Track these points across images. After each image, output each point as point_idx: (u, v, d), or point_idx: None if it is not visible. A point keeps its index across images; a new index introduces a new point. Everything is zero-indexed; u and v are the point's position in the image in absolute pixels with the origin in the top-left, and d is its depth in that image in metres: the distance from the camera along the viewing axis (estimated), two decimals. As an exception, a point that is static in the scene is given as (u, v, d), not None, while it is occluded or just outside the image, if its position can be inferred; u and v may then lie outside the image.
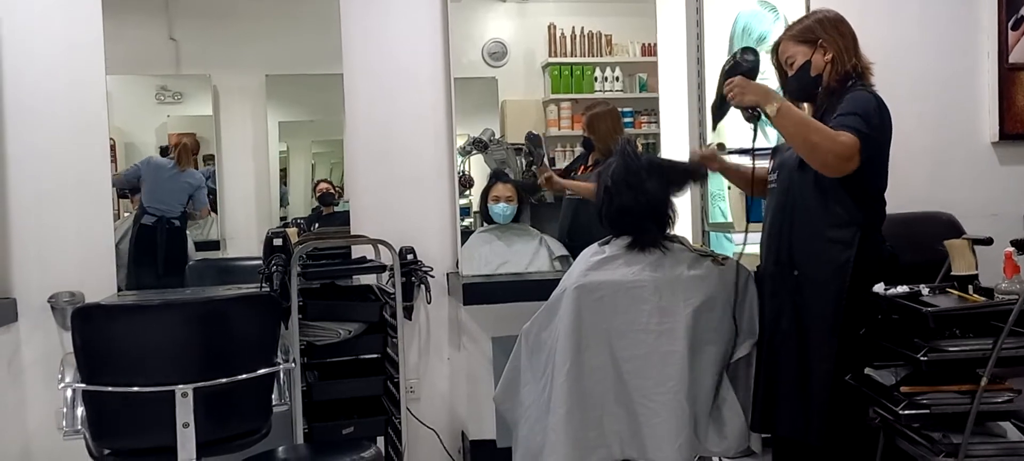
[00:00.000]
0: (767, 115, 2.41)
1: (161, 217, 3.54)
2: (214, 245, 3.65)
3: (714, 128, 2.66)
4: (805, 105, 2.65)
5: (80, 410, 2.51)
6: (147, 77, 3.60)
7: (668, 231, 2.70)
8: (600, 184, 2.70)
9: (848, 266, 2.45)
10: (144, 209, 3.54)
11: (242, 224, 3.67)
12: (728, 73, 2.50)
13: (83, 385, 2.42)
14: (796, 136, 2.41)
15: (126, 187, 3.53)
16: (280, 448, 2.62)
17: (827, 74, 2.55)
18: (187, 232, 3.62)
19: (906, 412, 2.29)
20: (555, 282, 2.73)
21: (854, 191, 2.46)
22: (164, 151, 3.60)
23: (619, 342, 2.54)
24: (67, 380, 2.50)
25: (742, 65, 2.50)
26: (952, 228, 3.39)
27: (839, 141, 2.35)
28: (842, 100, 2.47)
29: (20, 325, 3.33)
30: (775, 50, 2.68)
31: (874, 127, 2.41)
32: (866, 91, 2.52)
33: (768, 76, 2.73)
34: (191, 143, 3.59)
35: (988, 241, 2.43)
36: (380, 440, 3.00)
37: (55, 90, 3.35)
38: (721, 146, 3.53)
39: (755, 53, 2.52)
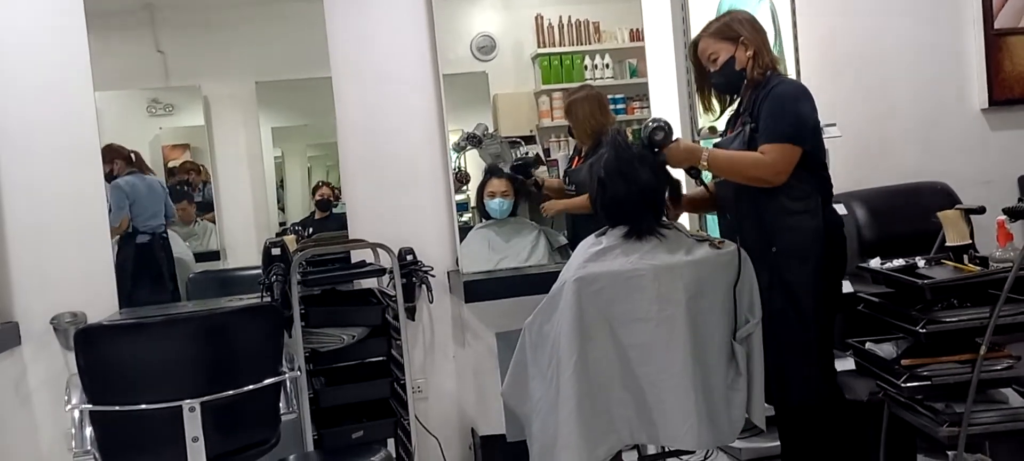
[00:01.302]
0: (701, 168, 2.65)
1: (154, 234, 3.54)
2: (214, 256, 3.66)
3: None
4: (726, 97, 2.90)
5: (89, 430, 2.52)
6: (137, 91, 3.60)
7: (664, 218, 2.71)
8: (593, 175, 2.71)
9: (820, 232, 2.61)
10: (137, 230, 3.49)
11: (241, 232, 3.68)
12: (650, 147, 2.63)
13: (90, 406, 2.42)
14: (731, 173, 2.67)
15: (122, 217, 3.49)
16: (291, 457, 2.64)
17: (750, 68, 2.73)
18: (185, 243, 3.63)
19: (908, 385, 2.30)
20: (556, 274, 2.73)
21: (806, 166, 2.64)
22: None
23: (622, 331, 2.54)
24: (74, 401, 2.51)
25: (656, 140, 2.63)
26: (946, 197, 3.40)
27: (766, 164, 2.59)
28: (767, 95, 2.65)
29: (24, 348, 3.33)
30: (693, 48, 2.87)
31: (803, 120, 2.62)
32: (787, 83, 2.74)
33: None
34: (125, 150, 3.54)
35: (981, 210, 2.45)
36: (390, 442, 3.01)
37: (45, 108, 3.34)
38: (713, 129, 3.55)
39: (661, 124, 2.65)
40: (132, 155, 3.52)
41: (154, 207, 3.56)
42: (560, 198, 3.79)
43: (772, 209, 2.62)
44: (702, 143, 3.58)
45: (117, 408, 2.40)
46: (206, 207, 3.68)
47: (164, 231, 3.56)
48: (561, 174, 3.93)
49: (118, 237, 3.46)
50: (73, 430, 2.55)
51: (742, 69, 2.73)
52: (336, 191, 3.72)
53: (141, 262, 3.50)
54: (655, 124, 2.63)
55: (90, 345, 2.41)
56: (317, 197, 3.74)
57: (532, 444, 2.71)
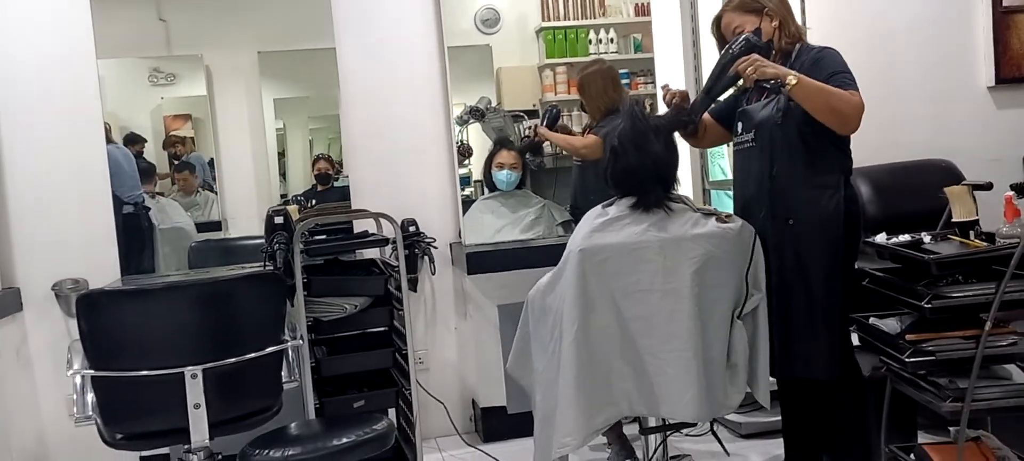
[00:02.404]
0: (787, 86, 2.49)
1: (137, 204, 3.52)
2: (216, 226, 3.65)
3: (708, 98, 2.72)
4: None
5: (90, 396, 2.52)
6: (139, 60, 3.59)
7: (672, 191, 2.70)
8: (607, 144, 2.70)
9: (839, 209, 2.58)
10: (121, 200, 3.45)
11: (242, 203, 3.67)
12: (740, 53, 2.55)
13: (92, 372, 2.42)
14: (816, 102, 2.51)
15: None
16: (293, 424, 2.63)
17: (777, 39, 2.68)
18: (186, 213, 3.62)
19: (912, 359, 2.30)
20: (559, 247, 2.73)
21: (834, 141, 2.60)
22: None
23: (625, 302, 2.55)
24: (76, 367, 2.50)
25: (759, 45, 2.56)
26: (951, 175, 3.38)
27: (855, 101, 2.50)
28: (815, 60, 2.59)
29: (25, 314, 3.35)
30: (716, 23, 2.81)
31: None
32: (826, 48, 2.66)
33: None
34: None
35: (988, 186, 2.43)
36: (392, 412, 3.01)
37: (47, 76, 3.35)
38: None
39: (752, 38, 2.59)
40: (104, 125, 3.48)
41: (132, 178, 3.54)
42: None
43: (796, 182, 2.59)
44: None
45: (119, 374, 2.40)
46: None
47: (144, 202, 3.54)
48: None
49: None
50: (74, 395, 2.54)
51: (768, 41, 2.67)
52: (336, 165, 3.71)
53: (129, 233, 3.48)
54: (748, 36, 2.58)
55: (93, 310, 2.40)
56: (316, 171, 3.72)
57: (536, 414, 2.72)
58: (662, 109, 3.80)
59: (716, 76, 2.64)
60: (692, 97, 2.80)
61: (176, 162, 3.64)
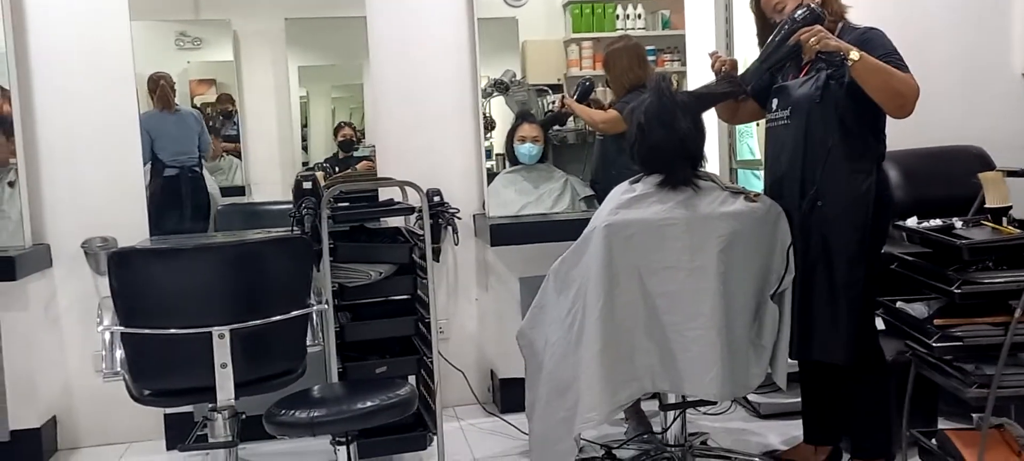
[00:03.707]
0: (849, 61, 2.44)
1: (183, 167, 3.54)
2: (239, 191, 3.67)
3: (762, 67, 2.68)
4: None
5: (119, 352, 2.55)
6: (166, 23, 3.59)
7: (700, 169, 2.69)
8: (633, 120, 2.68)
9: (870, 194, 2.55)
10: (163, 163, 3.50)
11: (266, 169, 3.69)
12: (803, 23, 2.49)
13: (122, 328, 2.45)
14: (878, 82, 2.46)
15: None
16: (316, 387, 2.65)
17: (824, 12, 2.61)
18: (212, 178, 3.63)
19: (939, 344, 2.29)
20: (581, 222, 2.73)
21: (872, 125, 2.57)
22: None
23: (650, 279, 2.55)
24: (106, 323, 2.53)
25: (823, 16, 2.51)
26: (981, 161, 3.36)
27: (913, 85, 2.47)
28: (860, 40, 2.53)
29: (54, 270, 3.38)
30: (757, 0, 2.77)
31: None
32: (872, 28, 2.61)
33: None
34: (167, 83, 3.51)
35: (1023, 173, 2.41)
36: (412, 379, 3.03)
37: (80, 34, 3.36)
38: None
39: (817, 10, 2.54)
40: (162, 82, 3.50)
41: (182, 141, 3.55)
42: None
43: (829, 164, 2.56)
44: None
45: (148, 331, 2.43)
46: (229, 141, 3.67)
47: (196, 164, 3.56)
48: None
49: (148, 168, 3.46)
50: (103, 351, 2.57)
51: (804, 16, 2.58)
52: (358, 133, 3.71)
53: (169, 194, 3.51)
54: (813, 6, 2.53)
55: (124, 267, 2.43)
56: (339, 137, 3.73)
57: (539, 385, 2.72)
58: (688, 86, 3.82)
59: (775, 46, 2.59)
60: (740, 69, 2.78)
61: (225, 119, 3.64)
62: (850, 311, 2.58)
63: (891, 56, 2.48)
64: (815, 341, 2.63)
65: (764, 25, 2.79)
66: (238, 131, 3.64)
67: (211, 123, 3.64)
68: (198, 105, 3.62)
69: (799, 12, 2.52)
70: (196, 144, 3.58)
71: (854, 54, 2.41)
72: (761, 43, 2.84)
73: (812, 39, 2.44)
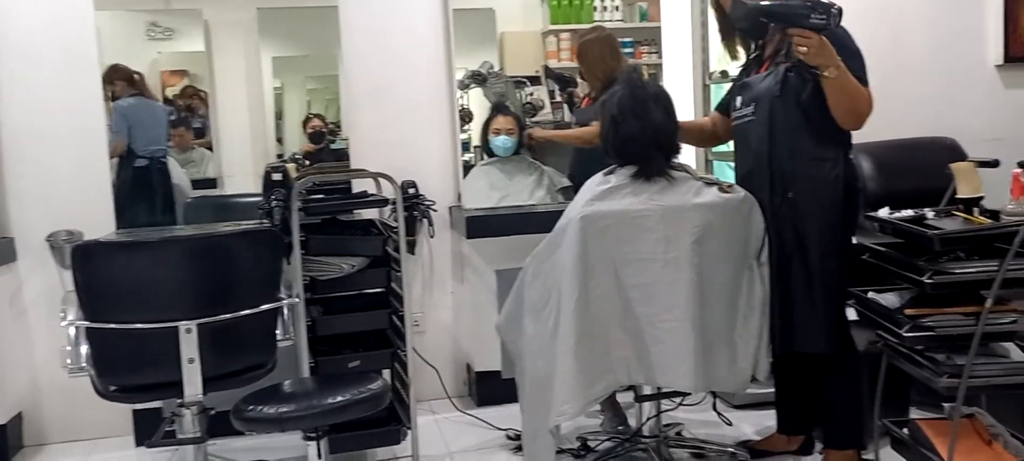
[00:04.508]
0: (824, 76, 2.41)
1: (153, 158, 3.49)
2: (211, 183, 3.62)
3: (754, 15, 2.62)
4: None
5: (84, 347, 2.51)
6: (137, 12, 3.54)
7: (674, 160, 2.68)
8: (606, 112, 2.67)
9: (839, 182, 2.57)
10: (135, 154, 3.44)
11: (238, 161, 3.64)
12: (819, 25, 2.34)
13: (86, 323, 2.41)
14: (844, 100, 2.47)
15: (119, 141, 3.42)
16: (286, 382, 2.62)
17: None
18: (183, 170, 3.59)
19: (910, 334, 2.30)
20: (557, 214, 2.72)
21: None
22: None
23: (625, 271, 2.54)
24: (70, 318, 2.49)
25: (832, 28, 2.35)
26: (955, 154, 3.37)
27: (870, 102, 2.49)
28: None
29: (19, 264, 3.33)
30: None
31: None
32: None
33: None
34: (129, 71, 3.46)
35: (994, 163, 2.42)
36: (386, 373, 3.01)
37: (44, 25, 3.29)
38: (724, 74, 3.50)
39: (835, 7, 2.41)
40: (135, 76, 3.46)
41: (155, 132, 3.51)
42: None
43: (795, 155, 2.57)
44: (713, 89, 3.55)
45: (113, 326, 2.39)
46: (200, 133, 3.62)
47: (164, 156, 3.52)
48: (566, 115, 3.90)
49: (115, 160, 3.41)
50: (68, 347, 2.53)
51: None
52: (330, 125, 3.68)
53: (138, 186, 3.46)
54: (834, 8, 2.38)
55: (88, 261, 2.39)
56: (309, 130, 3.69)
57: (523, 378, 2.72)
58: (664, 79, 3.81)
59: (788, 7, 2.39)
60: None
61: (189, 114, 3.59)
62: (827, 299, 2.59)
63: (855, 59, 2.47)
64: (796, 333, 2.63)
65: (725, 18, 2.81)
66: (203, 124, 3.59)
67: (182, 115, 3.59)
68: (169, 97, 3.57)
69: (835, 9, 2.36)
70: (165, 135, 3.52)
71: (830, 72, 2.39)
72: (723, 37, 2.88)
73: (803, 49, 2.37)
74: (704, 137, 3.09)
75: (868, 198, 3.18)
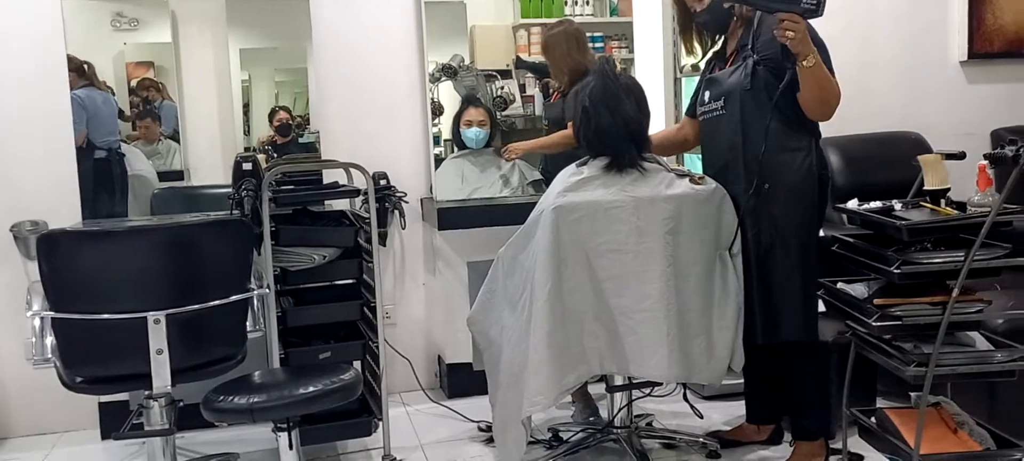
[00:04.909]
0: (801, 64, 2.42)
1: (111, 149, 3.42)
2: (178, 175, 3.57)
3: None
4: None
5: (50, 339, 2.46)
6: (102, 2, 3.47)
7: (645, 152, 2.69)
8: (578, 104, 2.68)
9: (813, 170, 2.61)
10: (94, 145, 3.37)
11: (205, 153, 3.59)
12: (805, 11, 2.36)
13: (52, 313, 2.36)
14: (817, 90, 2.49)
15: (79, 132, 3.33)
16: (256, 372, 2.59)
17: (738, 6, 2.65)
18: (148, 162, 3.53)
19: (879, 323, 2.32)
20: (529, 206, 2.72)
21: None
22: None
23: (598, 262, 2.54)
24: (35, 308, 2.45)
25: (820, 11, 2.36)
26: (921, 148, 3.43)
27: (839, 94, 2.52)
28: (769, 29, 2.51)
29: (-18, 256, 3.26)
30: None
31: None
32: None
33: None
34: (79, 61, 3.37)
35: (961, 155, 2.46)
36: (357, 365, 2.98)
37: (9, 13, 3.23)
38: (695, 67, 3.52)
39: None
40: (85, 66, 3.38)
41: (110, 122, 3.45)
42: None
43: (768, 146, 2.57)
44: (684, 83, 3.57)
45: (79, 316, 2.35)
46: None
47: (119, 147, 3.45)
48: (537, 110, 3.89)
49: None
50: (33, 338, 2.49)
51: (730, 6, 2.67)
52: (297, 119, 3.64)
53: (99, 178, 3.39)
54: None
55: (54, 250, 2.34)
56: (275, 123, 3.65)
57: (494, 370, 2.71)
58: (636, 73, 3.82)
59: None
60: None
61: (146, 106, 3.54)
62: (807, 287, 2.62)
63: (821, 49, 2.48)
64: (781, 323, 2.64)
65: (685, 13, 2.83)
66: (160, 116, 3.53)
67: (147, 106, 3.54)
68: (133, 87, 3.51)
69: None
70: (118, 126, 3.47)
71: (808, 62, 2.41)
72: (682, 32, 2.90)
73: (790, 34, 2.37)
74: (674, 145, 3.09)
75: (837, 191, 3.23)
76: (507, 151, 3.62)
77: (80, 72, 3.36)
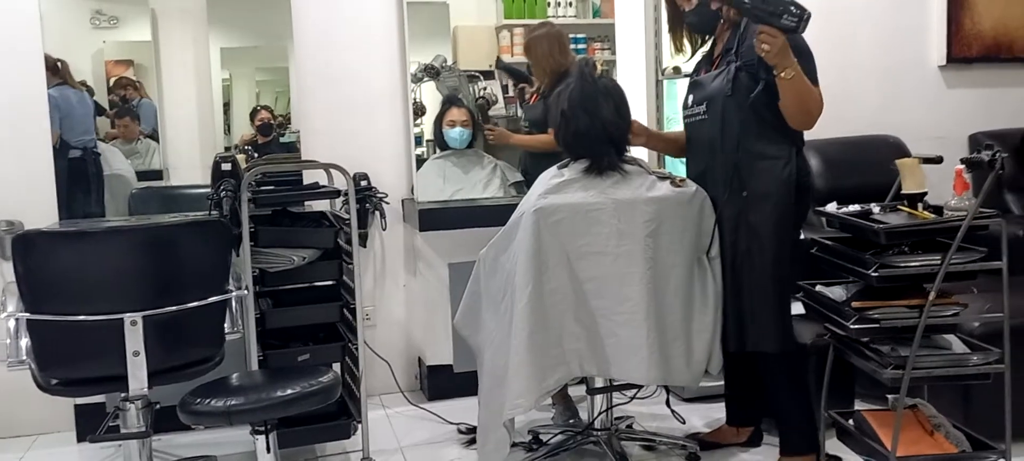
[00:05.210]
0: (780, 77, 2.42)
1: (86, 148, 3.38)
2: (157, 175, 3.54)
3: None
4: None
5: (25, 340, 2.44)
6: (81, 0, 3.43)
7: (625, 154, 2.69)
8: (557, 107, 2.68)
9: (791, 179, 2.59)
10: (68, 144, 3.33)
11: (185, 153, 3.57)
12: (788, 26, 2.34)
13: (27, 315, 2.34)
14: (797, 101, 2.48)
15: (55, 131, 3.30)
16: (234, 375, 2.57)
17: (726, 8, 2.65)
18: (127, 161, 3.50)
19: (857, 326, 2.34)
20: (510, 207, 2.71)
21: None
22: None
23: (579, 264, 2.54)
24: (10, 309, 2.42)
25: (801, 28, 2.35)
26: (899, 151, 3.46)
27: (821, 103, 2.51)
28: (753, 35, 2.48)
29: (-44, 256, 3.22)
30: None
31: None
32: None
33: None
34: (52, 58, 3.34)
35: (938, 159, 2.47)
36: (337, 367, 2.97)
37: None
38: (677, 70, 3.52)
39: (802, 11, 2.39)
40: (58, 64, 3.34)
41: (85, 121, 3.41)
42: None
43: (748, 153, 2.58)
44: (666, 84, 3.57)
45: (55, 318, 2.32)
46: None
47: (95, 146, 3.41)
48: (519, 110, 3.89)
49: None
50: (8, 340, 2.46)
51: (717, 8, 2.67)
52: (279, 118, 3.62)
53: (74, 178, 3.35)
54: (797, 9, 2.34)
55: (29, 251, 2.32)
56: (256, 122, 3.63)
57: (482, 375, 2.71)
58: (618, 75, 3.83)
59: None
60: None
61: (123, 104, 3.50)
62: (780, 299, 2.61)
63: (807, 59, 2.48)
64: (749, 332, 2.64)
65: (674, 12, 2.85)
66: (139, 115, 3.50)
67: (132, 103, 3.51)
68: (111, 86, 3.47)
69: (804, 14, 2.35)
70: (94, 125, 3.43)
71: (786, 74, 2.41)
72: (671, 30, 2.91)
73: (766, 47, 2.37)
74: (680, 149, 2.98)
75: (816, 194, 3.25)
76: (491, 131, 3.64)
77: (53, 70, 3.32)
